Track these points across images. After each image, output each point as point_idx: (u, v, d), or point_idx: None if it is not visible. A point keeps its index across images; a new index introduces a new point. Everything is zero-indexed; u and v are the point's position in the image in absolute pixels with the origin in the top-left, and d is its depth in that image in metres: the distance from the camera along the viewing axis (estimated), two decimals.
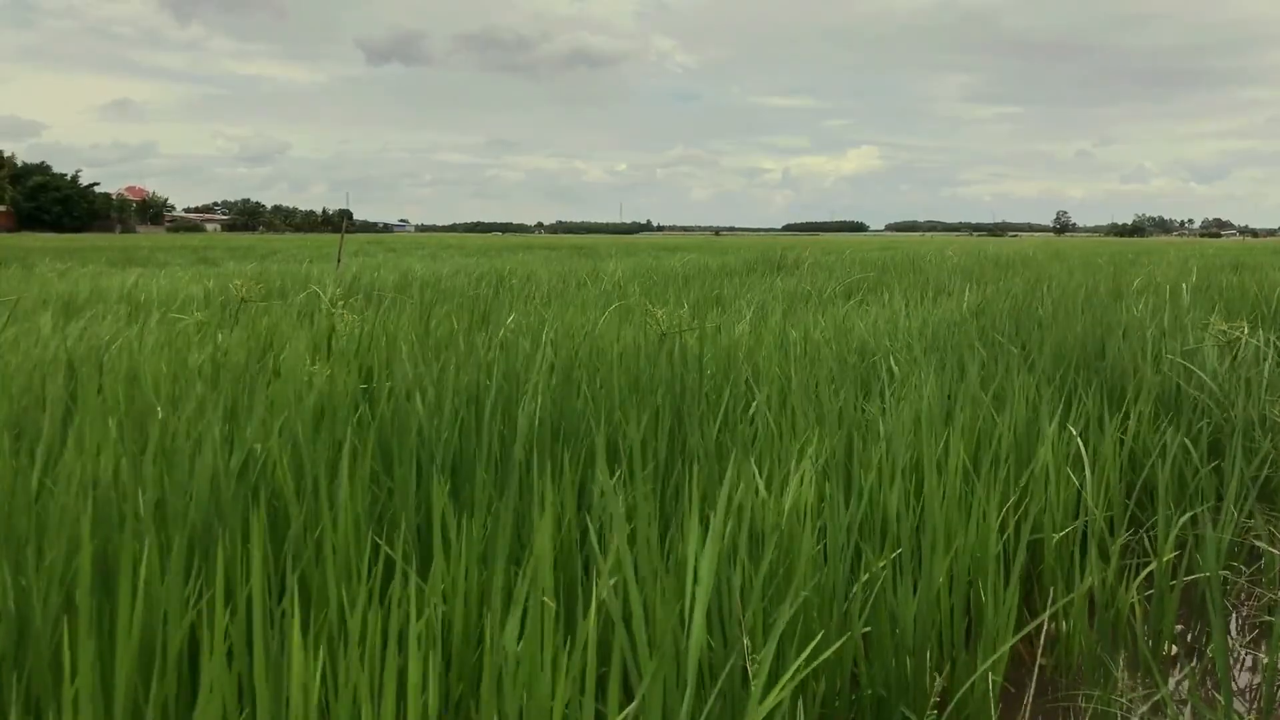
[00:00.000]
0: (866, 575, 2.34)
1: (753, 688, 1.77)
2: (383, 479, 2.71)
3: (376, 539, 2.27)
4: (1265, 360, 4.70)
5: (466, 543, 2.06)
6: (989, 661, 2.34)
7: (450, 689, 2.00)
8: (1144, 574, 2.99)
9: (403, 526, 2.23)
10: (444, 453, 2.80)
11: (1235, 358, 4.85)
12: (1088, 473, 3.26)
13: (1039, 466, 3.12)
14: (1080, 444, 3.35)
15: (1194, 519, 3.36)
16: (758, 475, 2.60)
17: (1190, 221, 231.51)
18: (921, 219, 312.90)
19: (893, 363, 4.65)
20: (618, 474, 2.74)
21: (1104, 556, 2.96)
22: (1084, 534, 3.15)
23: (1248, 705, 2.73)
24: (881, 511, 2.63)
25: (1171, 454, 3.48)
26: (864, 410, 3.68)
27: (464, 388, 3.24)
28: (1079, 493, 3.25)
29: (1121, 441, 3.71)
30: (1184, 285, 8.86)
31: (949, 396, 3.78)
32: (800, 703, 2.05)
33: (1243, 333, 4.96)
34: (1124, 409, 3.99)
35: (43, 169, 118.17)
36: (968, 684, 2.34)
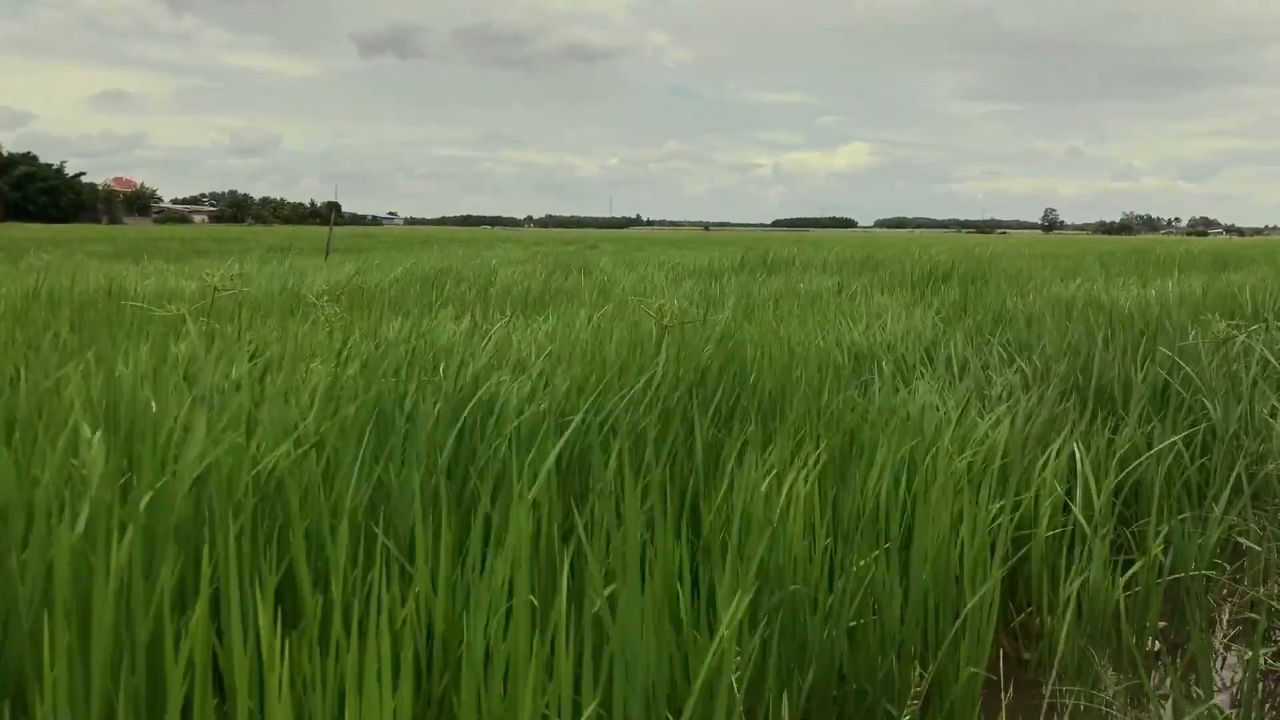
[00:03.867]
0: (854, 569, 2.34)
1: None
2: None
3: None
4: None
5: None
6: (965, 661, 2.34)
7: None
8: (1130, 571, 3.00)
9: None
10: None
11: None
12: (1080, 469, 3.27)
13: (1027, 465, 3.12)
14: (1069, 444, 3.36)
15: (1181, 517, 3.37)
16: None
17: (1177, 220, 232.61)
18: (911, 215, 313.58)
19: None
20: None
21: (1089, 554, 2.97)
22: (1071, 531, 3.16)
23: (1230, 700, 2.74)
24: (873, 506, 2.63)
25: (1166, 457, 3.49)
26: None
27: None
28: (1066, 491, 3.26)
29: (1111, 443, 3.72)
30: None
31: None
32: (785, 695, 2.05)
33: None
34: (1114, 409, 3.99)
35: (29, 159, 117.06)
36: (931, 658, 2.34)
